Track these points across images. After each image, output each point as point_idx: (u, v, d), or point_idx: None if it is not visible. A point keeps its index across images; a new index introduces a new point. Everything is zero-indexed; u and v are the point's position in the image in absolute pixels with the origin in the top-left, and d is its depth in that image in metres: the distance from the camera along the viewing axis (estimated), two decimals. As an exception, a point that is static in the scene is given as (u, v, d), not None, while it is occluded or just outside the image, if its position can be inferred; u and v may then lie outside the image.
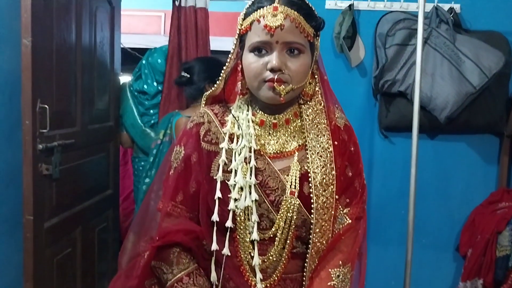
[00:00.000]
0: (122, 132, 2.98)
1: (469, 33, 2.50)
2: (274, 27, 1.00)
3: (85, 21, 2.39)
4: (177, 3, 2.84)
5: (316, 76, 1.16)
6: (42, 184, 2.01)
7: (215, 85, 1.19)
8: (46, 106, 1.97)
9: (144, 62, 3.02)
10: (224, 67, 1.16)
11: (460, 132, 2.52)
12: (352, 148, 1.19)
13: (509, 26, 2.53)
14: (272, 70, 1.02)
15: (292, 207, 1.06)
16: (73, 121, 2.32)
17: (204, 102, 1.22)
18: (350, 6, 2.53)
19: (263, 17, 1.02)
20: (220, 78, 1.17)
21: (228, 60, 1.15)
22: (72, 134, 2.26)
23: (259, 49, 1.04)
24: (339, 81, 2.58)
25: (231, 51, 1.14)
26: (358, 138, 2.57)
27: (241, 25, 1.08)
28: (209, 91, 1.21)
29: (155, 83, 2.98)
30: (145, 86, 2.98)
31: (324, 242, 1.09)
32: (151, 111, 2.99)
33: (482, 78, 2.31)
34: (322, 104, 1.16)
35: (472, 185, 2.58)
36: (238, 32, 1.09)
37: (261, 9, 1.03)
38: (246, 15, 1.07)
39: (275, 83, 1.02)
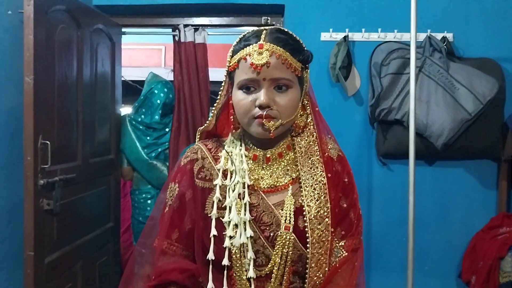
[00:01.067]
0: (123, 165, 3.01)
1: (462, 61, 2.55)
2: (260, 65, 1.01)
3: (86, 57, 2.45)
4: (177, 39, 2.92)
5: (307, 108, 1.16)
6: (43, 219, 2.03)
7: (208, 121, 1.19)
8: (47, 142, 2.00)
9: (147, 95, 3.07)
10: (215, 103, 1.17)
11: (458, 158, 2.54)
12: (346, 179, 1.18)
13: (501, 52, 2.58)
14: (261, 107, 1.02)
15: (287, 242, 1.05)
16: (74, 155, 2.35)
17: (198, 137, 1.22)
18: (345, 37, 2.59)
19: (249, 55, 1.03)
20: (212, 114, 1.18)
21: (219, 97, 1.15)
22: (73, 169, 2.29)
23: (247, 87, 1.05)
24: (336, 110, 2.62)
25: (221, 87, 1.15)
26: (357, 166, 2.62)
27: (230, 62, 1.09)
28: (202, 127, 1.21)
29: (158, 117, 3.02)
30: (152, 120, 3.02)
31: (321, 275, 1.07)
32: (159, 141, 3.03)
33: (476, 105, 2.34)
34: (315, 135, 1.16)
35: (472, 210, 2.58)
36: (227, 69, 1.10)
37: (248, 47, 1.05)
38: (234, 52, 1.08)
39: (264, 119, 1.02)
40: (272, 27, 1.11)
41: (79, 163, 2.37)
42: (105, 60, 2.71)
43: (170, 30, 3.00)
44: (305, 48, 1.10)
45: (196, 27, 2.93)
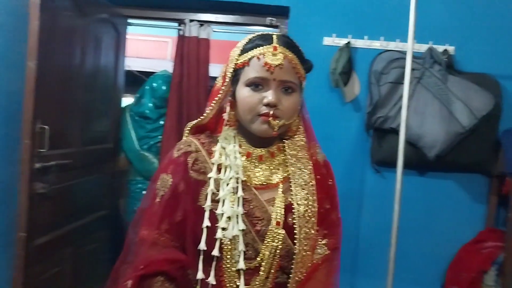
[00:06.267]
0: (121, 155, 3.05)
1: (461, 75, 2.57)
2: (274, 65, 1.07)
3: (89, 45, 2.48)
4: (181, 33, 2.95)
5: (299, 114, 1.21)
6: (37, 202, 2.06)
7: (204, 115, 1.21)
8: (45, 126, 2.03)
9: (147, 87, 3.12)
10: (216, 98, 1.17)
11: (450, 170, 2.57)
12: (330, 182, 1.24)
13: (501, 69, 2.61)
14: (268, 105, 1.07)
15: (277, 237, 1.10)
16: (72, 141, 2.38)
17: (187, 131, 1.24)
18: (347, 43, 2.62)
19: (263, 55, 1.08)
20: (210, 108, 1.19)
21: (220, 92, 1.16)
22: (70, 155, 2.32)
23: (256, 84, 1.09)
24: (332, 115, 2.65)
25: (221, 82, 1.17)
26: (350, 171, 2.65)
27: (237, 60, 1.12)
28: (194, 121, 1.23)
29: (156, 108, 3.06)
30: (147, 111, 3.07)
31: (303, 271, 1.12)
32: (152, 134, 3.06)
33: (471, 119, 2.37)
34: (304, 140, 1.21)
35: (460, 223, 2.61)
36: (233, 66, 1.13)
37: (261, 47, 1.09)
38: (244, 51, 1.12)
39: (270, 117, 1.07)
40: (280, 33, 1.16)
41: (76, 149, 2.40)
42: (109, 50, 2.74)
43: (176, 24, 3.03)
44: (306, 58, 1.16)
45: (201, 23, 2.95)
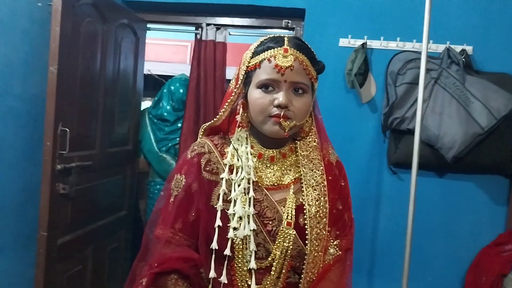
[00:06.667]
0: (140, 157, 3.13)
1: (480, 74, 2.53)
2: (285, 67, 1.08)
3: (110, 50, 2.54)
4: (198, 37, 3.00)
5: (312, 115, 1.23)
6: (58, 202, 2.12)
7: (217, 117, 1.23)
8: (67, 129, 2.10)
9: (165, 90, 3.22)
10: (229, 100, 1.20)
11: (469, 172, 2.53)
12: (343, 183, 1.24)
13: (520, 68, 2.56)
14: (279, 107, 1.08)
15: (288, 237, 1.11)
16: (93, 144, 2.44)
17: (202, 133, 1.28)
18: (363, 44, 2.61)
19: (274, 57, 1.10)
20: (223, 110, 1.21)
21: (233, 94, 1.18)
22: (91, 156, 2.38)
23: (267, 86, 1.11)
24: (349, 117, 2.65)
25: (234, 85, 1.19)
26: (367, 173, 2.65)
27: (249, 62, 1.14)
28: (208, 123, 1.26)
29: (173, 111, 3.14)
30: (165, 114, 3.16)
31: (315, 272, 1.13)
32: (170, 136, 3.12)
33: (490, 120, 2.33)
34: (316, 141, 1.22)
35: (480, 225, 2.56)
36: (245, 68, 1.15)
37: (272, 49, 1.11)
38: (255, 53, 1.13)
39: (281, 118, 1.09)
40: (291, 35, 1.17)
41: (96, 151, 2.47)
42: (128, 54, 2.80)
43: (194, 28, 3.08)
44: (318, 59, 1.17)
45: (218, 27, 2.99)
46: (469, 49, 2.58)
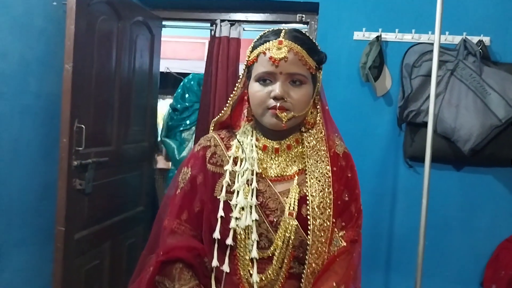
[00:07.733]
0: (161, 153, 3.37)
1: (497, 65, 2.48)
2: (278, 59, 1.09)
3: (125, 48, 2.57)
4: (213, 33, 3.01)
5: (318, 106, 1.23)
6: (75, 197, 2.16)
7: (222, 112, 1.27)
8: (82, 126, 2.13)
9: (182, 84, 3.47)
10: (232, 95, 1.25)
11: (487, 164, 2.48)
12: (349, 174, 1.23)
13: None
14: (275, 98, 1.10)
15: (290, 227, 1.12)
16: (109, 140, 2.48)
17: (212, 128, 1.31)
18: (378, 37, 2.58)
19: (269, 49, 1.12)
20: (227, 105, 1.26)
21: (236, 89, 1.23)
22: (107, 153, 2.42)
23: (264, 79, 1.13)
24: (364, 110, 2.62)
25: (239, 80, 1.24)
26: (383, 166, 2.62)
27: (249, 56, 1.17)
28: (216, 117, 1.30)
29: (186, 103, 3.39)
30: (179, 106, 3.40)
31: (319, 263, 1.13)
32: (177, 123, 3.43)
33: (508, 111, 2.28)
34: (323, 132, 1.22)
35: (499, 219, 2.51)
36: (245, 63, 1.18)
37: (268, 42, 1.13)
38: (254, 48, 1.16)
39: (278, 110, 1.10)
40: (291, 28, 1.18)
41: (112, 148, 2.50)
42: (144, 52, 2.83)
43: (208, 24, 3.10)
44: (320, 50, 1.18)
45: (232, 22, 3.00)
46: (486, 40, 2.53)
